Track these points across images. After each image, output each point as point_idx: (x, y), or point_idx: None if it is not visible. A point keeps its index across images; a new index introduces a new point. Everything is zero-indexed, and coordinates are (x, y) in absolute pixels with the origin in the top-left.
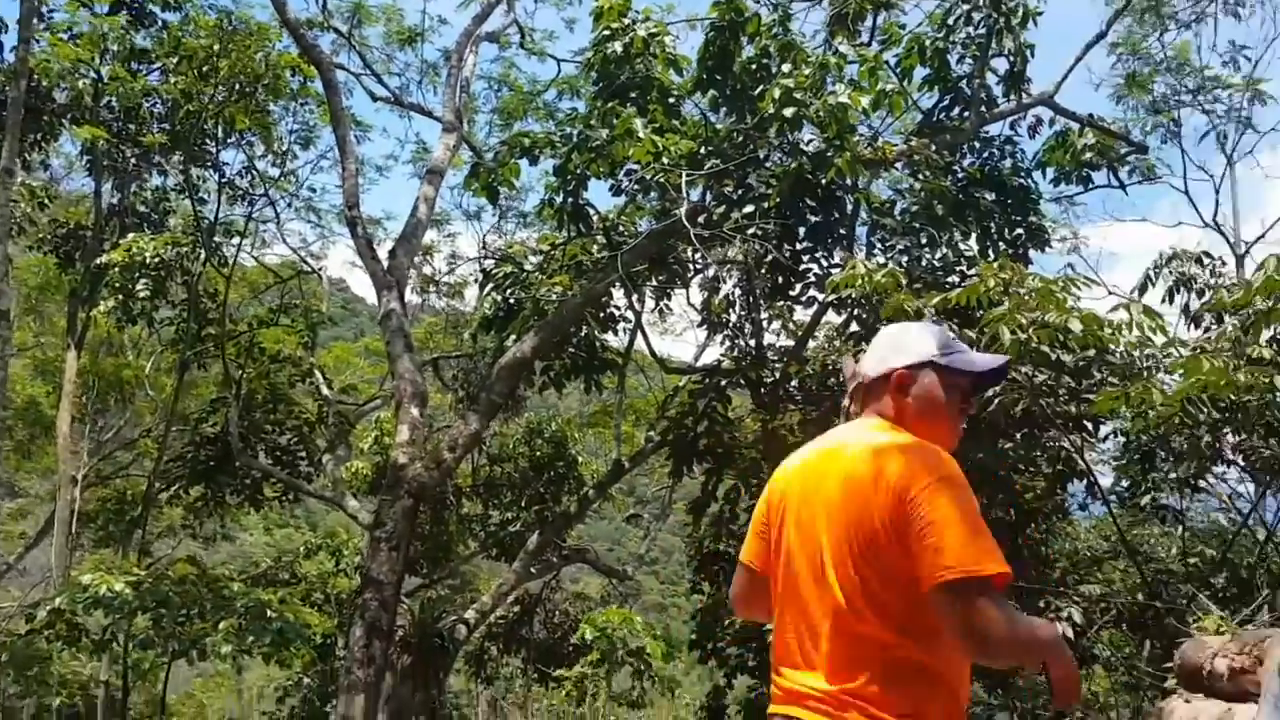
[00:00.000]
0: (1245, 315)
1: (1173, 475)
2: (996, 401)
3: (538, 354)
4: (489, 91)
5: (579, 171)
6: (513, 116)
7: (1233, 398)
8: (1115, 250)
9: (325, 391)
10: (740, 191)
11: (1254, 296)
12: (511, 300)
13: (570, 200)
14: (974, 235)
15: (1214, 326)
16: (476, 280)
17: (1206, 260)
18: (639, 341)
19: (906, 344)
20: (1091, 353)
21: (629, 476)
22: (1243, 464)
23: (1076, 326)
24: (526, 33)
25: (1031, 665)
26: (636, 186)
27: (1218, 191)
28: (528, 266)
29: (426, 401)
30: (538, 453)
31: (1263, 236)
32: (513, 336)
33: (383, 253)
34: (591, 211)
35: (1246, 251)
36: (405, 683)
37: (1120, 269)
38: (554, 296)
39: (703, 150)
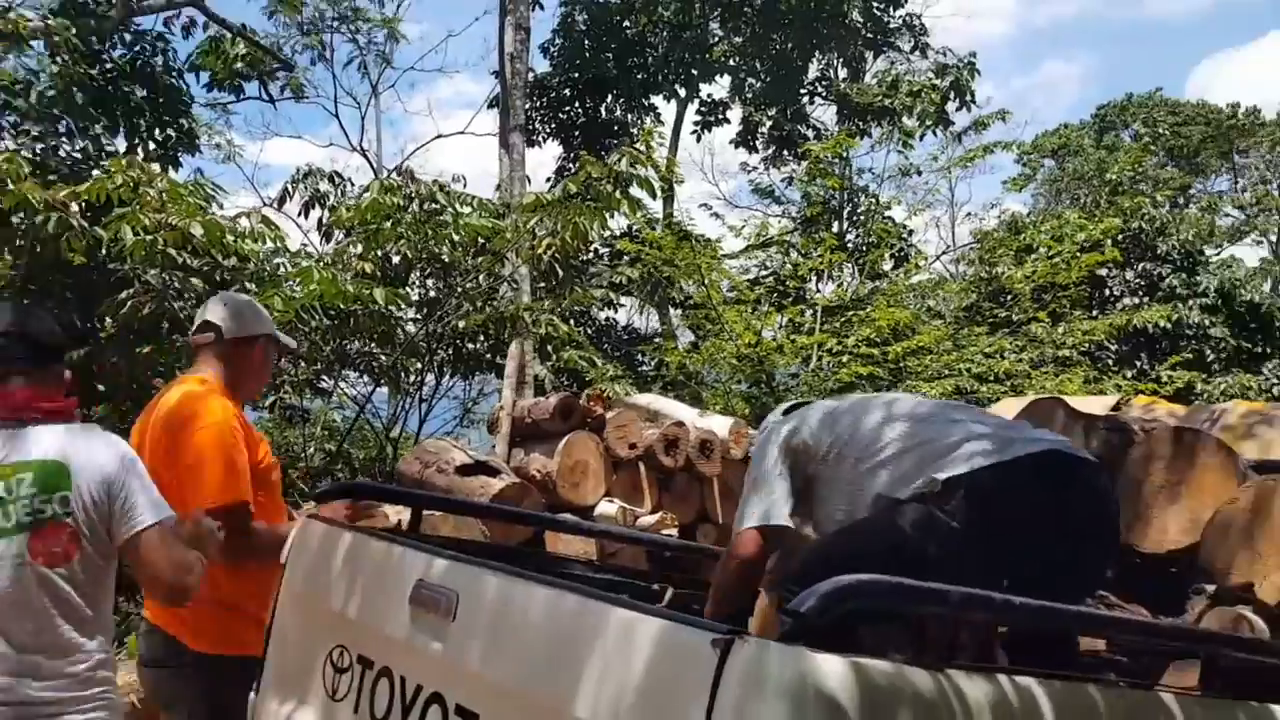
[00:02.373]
0: (361, 232)
1: (301, 378)
2: (129, 305)
3: None
4: None
5: None
6: None
7: (342, 306)
8: (275, 163)
9: None
10: None
11: (365, 215)
12: None
13: None
14: (122, 131)
15: (343, 240)
16: None
17: (337, 179)
18: None
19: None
20: (233, 260)
21: None
22: (362, 368)
23: (199, 231)
24: None
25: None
26: None
27: (363, 118)
28: None
29: None
30: None
31: (399, 166)
32: None
33: None
34: None
35: (388, 176)
36: None
37: (280, 181)
38: None
39: None
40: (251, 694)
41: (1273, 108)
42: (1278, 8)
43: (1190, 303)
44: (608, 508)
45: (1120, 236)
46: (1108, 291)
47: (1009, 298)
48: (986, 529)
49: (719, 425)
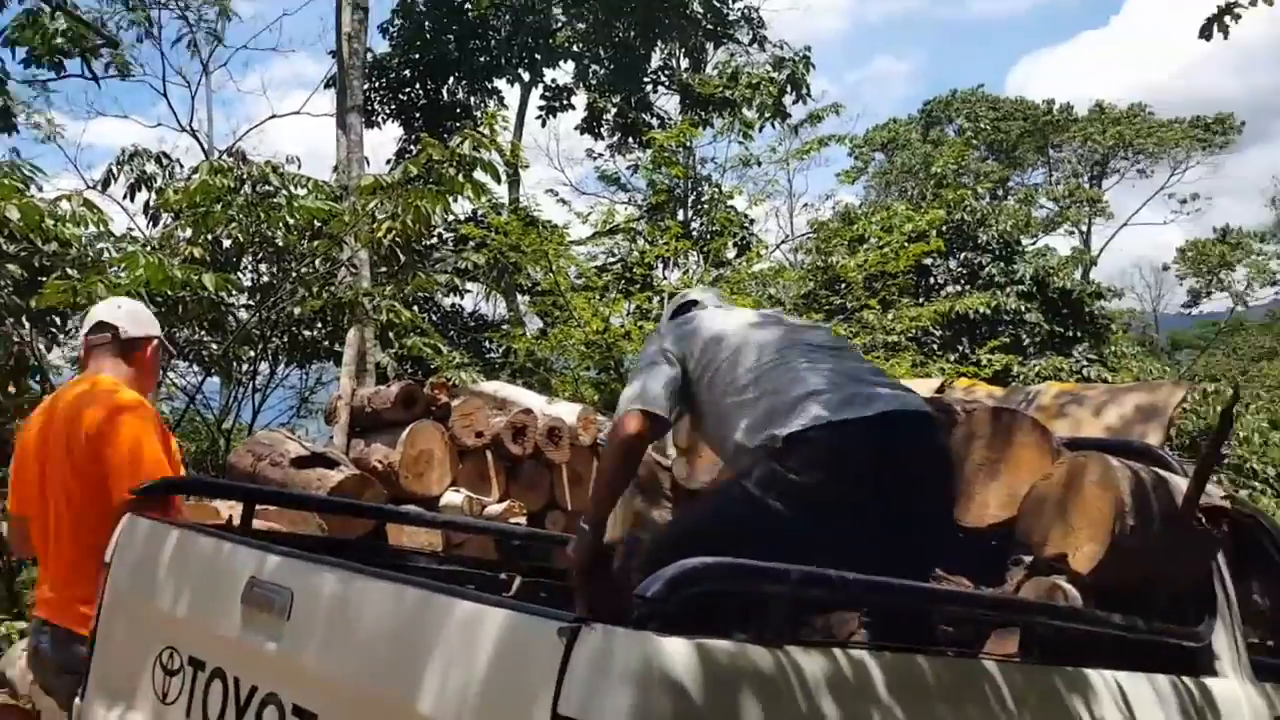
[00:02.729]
0: (190, 215)
1: None
2: None
3: None
4: None
5: None
6: None
7: (170, 293)
8: (100, 143)
9: None
10: None
11: (194, 198)
12: None
13: None
14: None
15: (170, 224)
16: None
17: (165, 160)
18: None
19: None
20: (54, 245)
21: None
22: (191, 357)
23: (15, 215)
24: None
25: None
26: None
27: (194, 98)
28: None
29: None
30: None
31: (231, 147)
32: None
33: None
34: None
35: (219, 157)
36: None
37: (105, 163)
38: None
39: None
40: (76, 699)
41: (1085, 104)
42: (1090, 10)
43: (1008, 290)
44: (454, 497)
45: (944, 227)
46: (933, 279)
47: (843, 286)
48: (825, 486)
49: (567, 412)
